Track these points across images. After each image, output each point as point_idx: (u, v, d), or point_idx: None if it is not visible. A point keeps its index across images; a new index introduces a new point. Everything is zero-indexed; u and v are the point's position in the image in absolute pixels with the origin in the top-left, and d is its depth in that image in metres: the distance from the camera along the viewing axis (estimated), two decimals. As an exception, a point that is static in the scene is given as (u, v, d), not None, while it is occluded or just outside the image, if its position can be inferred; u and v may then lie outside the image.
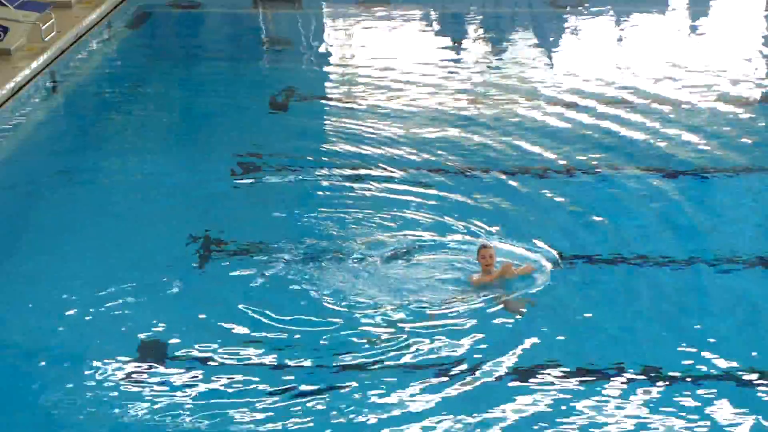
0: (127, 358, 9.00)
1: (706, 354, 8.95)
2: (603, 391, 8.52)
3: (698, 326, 9.40)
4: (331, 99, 15.82)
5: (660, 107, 15.02)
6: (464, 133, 14.06)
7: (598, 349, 9.10)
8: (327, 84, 16.81)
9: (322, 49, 18.91)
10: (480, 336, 9.23)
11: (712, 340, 9.19)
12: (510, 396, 8.50)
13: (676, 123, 14.40)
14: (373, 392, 8.50)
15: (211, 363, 8.91)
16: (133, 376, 8.76)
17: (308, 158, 13.18)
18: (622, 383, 8.61)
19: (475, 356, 8.98)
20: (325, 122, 14.72)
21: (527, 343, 9.16)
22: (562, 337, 9.24)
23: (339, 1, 21.67)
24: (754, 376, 8.68)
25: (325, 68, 17.74)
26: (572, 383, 8.62)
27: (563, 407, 8.35)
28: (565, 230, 11.18)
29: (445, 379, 8.69)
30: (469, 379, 8.68)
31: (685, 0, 21.65)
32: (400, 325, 9.37)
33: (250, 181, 12.61)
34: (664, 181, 12.47)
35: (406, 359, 8.93)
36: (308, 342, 9.18)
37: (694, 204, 11.86)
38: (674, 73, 16.52)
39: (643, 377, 8.69)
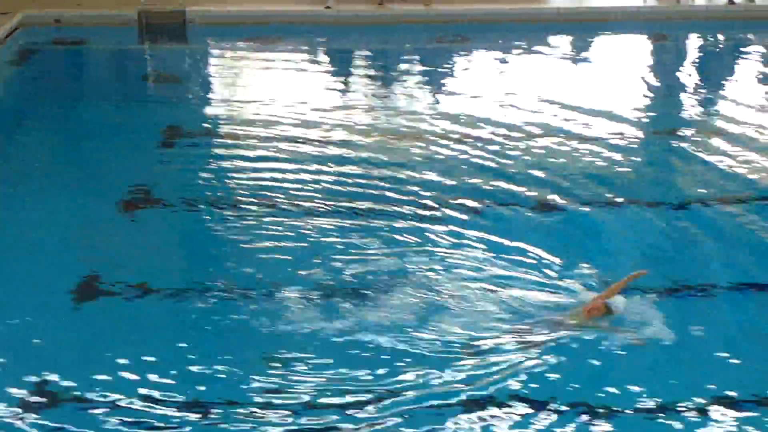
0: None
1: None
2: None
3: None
4: (218, 135, 15.81)
5: (540, 142, 15.29)
6: (349, 169, 14.11)
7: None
8: (214, 120, 16.81)
9: (208, 86, 18.92)
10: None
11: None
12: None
13: (558, 156, 14.70)
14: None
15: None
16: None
17: (196, 194, 13.15)
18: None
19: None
20: (213, 158, 14.68)
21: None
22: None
23: (226, 38, 21.69)
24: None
25: (213, 104, 17.74)
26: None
27: None
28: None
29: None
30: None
31: (569, 37, 22.12)
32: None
33: (136, 218, 12.55)
34: (540, 214, 12.64)
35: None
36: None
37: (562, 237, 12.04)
38: (554, 108, 16.84)
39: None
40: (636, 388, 8.96)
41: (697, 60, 21.74)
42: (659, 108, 17.96)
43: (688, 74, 20.55)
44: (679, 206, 12.95)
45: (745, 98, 17.99)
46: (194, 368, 9.24)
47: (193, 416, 8.57)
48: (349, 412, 8.64)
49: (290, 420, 8.53)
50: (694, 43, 23.13)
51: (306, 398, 8.79)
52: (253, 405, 8.71)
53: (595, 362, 9.35)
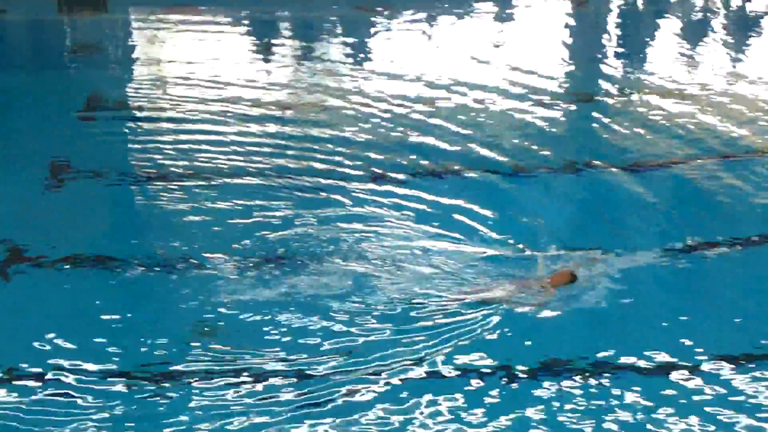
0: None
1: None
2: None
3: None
4: (140, 104, 15.60)
5: (469, 107, 15.35)
6: (277, 134, 14.05)
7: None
8: (136, 89, 16.57)
9: (129, 55, 18.69)
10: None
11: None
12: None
13: (483, 121, 14.75)
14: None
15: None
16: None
17: (119, 164, 13.00)
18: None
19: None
20: (135, 127, 14.49)
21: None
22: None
23: (146, 5, 21.45)
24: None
25: (134, 73, 17.53)
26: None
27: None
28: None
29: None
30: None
31: (491, 4, 22.19)
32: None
33: (59, 189, 12.37)
34: (462, 179, 12.69)
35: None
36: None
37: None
38: (479, 74, 16.88)
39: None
40: (580, 352, 9.00)
41: (617, 24, 21.90)
42: (581, 73, 18.09)
43: (609, 39, 20.71)
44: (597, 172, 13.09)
45: (666, 62, 18.19)
46: (124, 339, 9.13)
47: (122, 388, 8.48)
48: (283, 381, 8.58)
49: (221, 391, 8.45)
50: (614, 7, 23.28)
51: (238, 367, 8.72)
52: (185, 375, 8.63)
53: (541, 327, 9.40)
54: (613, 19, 22.48)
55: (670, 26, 21.35)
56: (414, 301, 9.63)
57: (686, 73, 17.77)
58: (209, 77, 16.57)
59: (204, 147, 13.52)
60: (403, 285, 9.91)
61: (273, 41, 19.67)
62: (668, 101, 15.81)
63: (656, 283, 10.23)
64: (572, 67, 18.35)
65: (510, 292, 9.66)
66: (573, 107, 16.00)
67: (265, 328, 9.24)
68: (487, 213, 11.58)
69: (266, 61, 18.28)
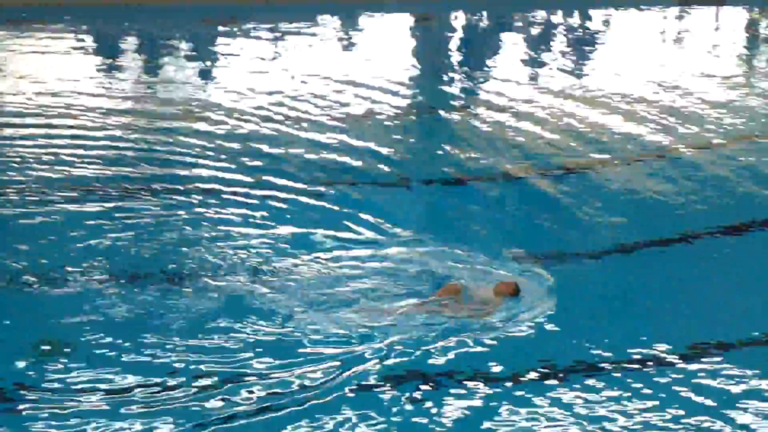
0: None
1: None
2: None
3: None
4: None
5: (315, 120, 15.48)
6: (118, 151, 13.91)
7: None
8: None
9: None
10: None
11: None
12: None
13: (331, 136, 14.88)
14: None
15: None
16: None
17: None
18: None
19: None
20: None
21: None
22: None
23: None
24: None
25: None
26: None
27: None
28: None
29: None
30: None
31: (336, 18, 22.36)
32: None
33: None
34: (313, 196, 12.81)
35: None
36: None
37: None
38: (322, 87, 17.06)
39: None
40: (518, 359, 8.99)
41: (461, 38, 22.27)
42: (428, 87, 18.37)
43: (453, 53, 21.04)
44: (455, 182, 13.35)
45: (509, 74, 18.59)
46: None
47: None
48: (144, 400, 8.44)
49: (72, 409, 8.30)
50: (457, 22, 23.68)
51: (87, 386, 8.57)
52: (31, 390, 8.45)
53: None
54: (456, 35, 22.84)
55: (512, 42, 21.78)
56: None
57: (524, 89, 18.15)
58: (50, 94, 16.32)
59: (53, 161, 13.35)
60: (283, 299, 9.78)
61: (119, 55, 19.51)
62: (506, 115, 16.15)
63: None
64: (414, 82, 18.62)
65: (455, 306, 9.61)
66: (415, 120, 16.25)
67: (120, 346, 9.08)
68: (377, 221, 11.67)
69: (111, 76, 18.12)
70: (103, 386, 8.41)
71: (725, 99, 17.55)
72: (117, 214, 11.71)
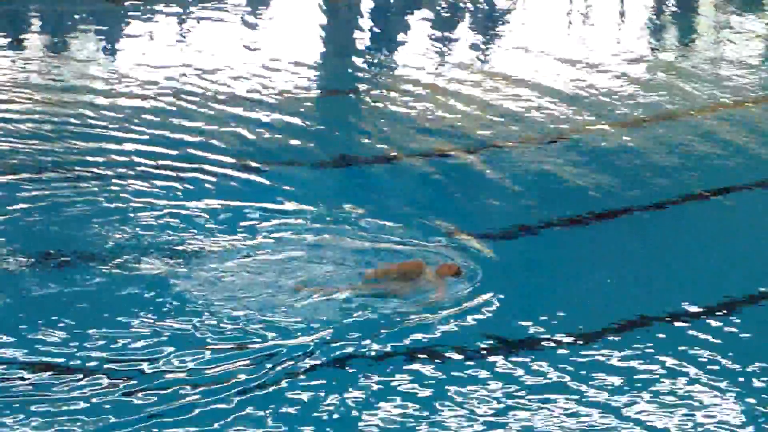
0: None
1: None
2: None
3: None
4: None
5: (226, 101, 15.28)
6: (33, 125, 13.68)
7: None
8: None
9: None
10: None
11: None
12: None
13: (251, 118, 14.70)
14: None
15: None
16: None
17: None
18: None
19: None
20: None
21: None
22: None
23: None
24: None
25: None
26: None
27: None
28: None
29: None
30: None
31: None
32: None
33: None
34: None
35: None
36: None
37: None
38: (233, 68, 16.96)
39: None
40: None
41: (370, 18, 22.19)
42: (332, 67, 18.30)
43: (365, 33, 20.99)
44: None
45: (416, 56, 18.61)
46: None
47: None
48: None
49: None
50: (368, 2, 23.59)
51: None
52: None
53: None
54: (365, 13, 22.72)
55: (422, 20, 21.73)
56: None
57: (435, 66, 18.16)
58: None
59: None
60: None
61: (23, 35, 19.09)
62: (417, 93, 16.13)
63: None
64: (323, 61, 18.55)
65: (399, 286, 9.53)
66: (325, 100, 16.13)
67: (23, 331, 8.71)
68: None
69: (14, 55, 17.70)
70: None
71: (638, 76, 17.72)
72: (26, 191, 11.42)
